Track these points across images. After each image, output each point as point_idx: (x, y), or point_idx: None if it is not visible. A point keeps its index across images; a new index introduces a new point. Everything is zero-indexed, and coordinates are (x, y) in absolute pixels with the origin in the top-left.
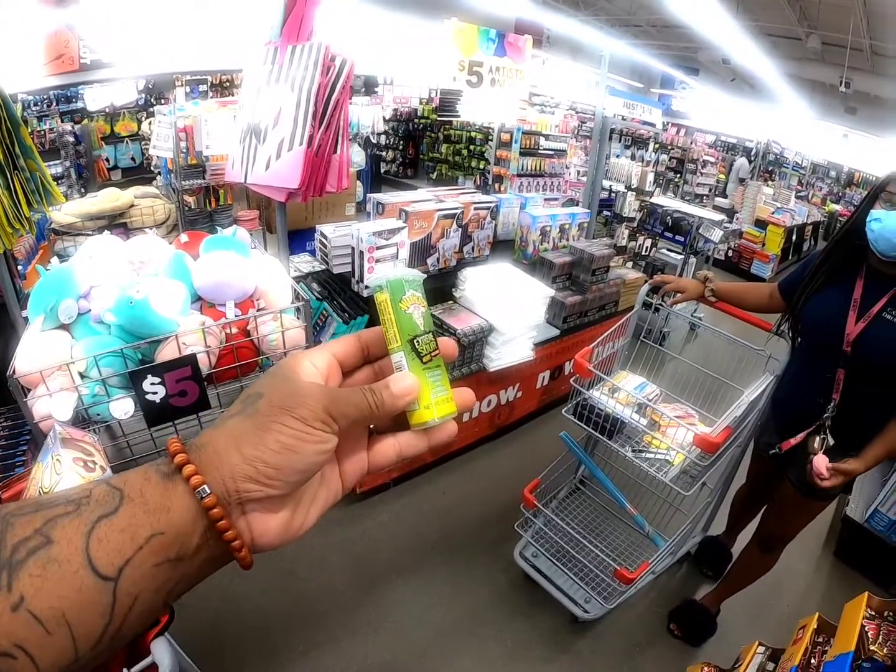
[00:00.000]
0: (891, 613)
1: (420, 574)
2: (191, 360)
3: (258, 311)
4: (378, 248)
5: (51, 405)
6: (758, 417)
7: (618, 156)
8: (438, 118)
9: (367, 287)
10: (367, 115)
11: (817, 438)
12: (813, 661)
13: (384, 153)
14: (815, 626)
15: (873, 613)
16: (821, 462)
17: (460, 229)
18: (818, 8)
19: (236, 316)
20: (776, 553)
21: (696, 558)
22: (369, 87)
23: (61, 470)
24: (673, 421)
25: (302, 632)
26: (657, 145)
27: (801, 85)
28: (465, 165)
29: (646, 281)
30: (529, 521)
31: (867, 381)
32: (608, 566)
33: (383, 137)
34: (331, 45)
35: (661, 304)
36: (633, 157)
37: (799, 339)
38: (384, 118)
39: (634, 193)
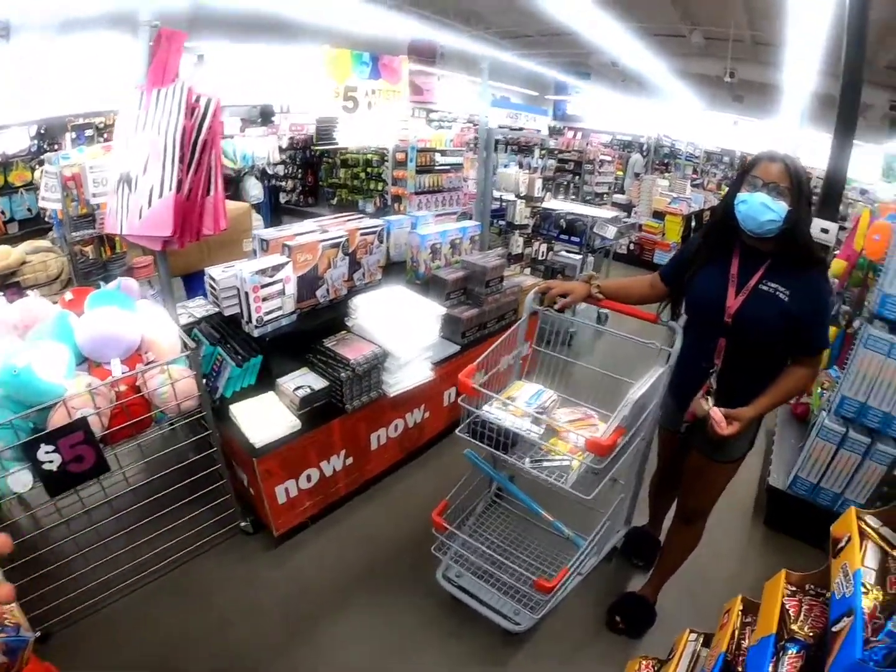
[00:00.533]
0: (812, 587)
1: (349, 609)
2: (82, 425)
3: (146, 364)
4: (263, 287)
5: None
6: (658, 408)
7: (506, 165)
8: (316, 147)
9: (256, 327)
10: (262, 147)
11: (708, 398)
12: (744, 643)
13: (283, 183)
14: (741, 608)
15: (794, 589)
16: (716, 413)
17: (347, 257)
18: (698, 5)
19: (123, 373)
20: (699, 525)
21: (625, 551)
22: (266, 116)
23: None
24: (563, 427)
25: None
26: (543, 151)
27: (688, 79)
28: (364, 188)
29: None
30: (446, 543)
31: (747, 349)
32: (529, 578)
33: (281, 167)
34: (194, 85)
35: (547, 310)
36: (520, 166)
37: (685, 317)
38: (280, 147)
39: (524, 201)
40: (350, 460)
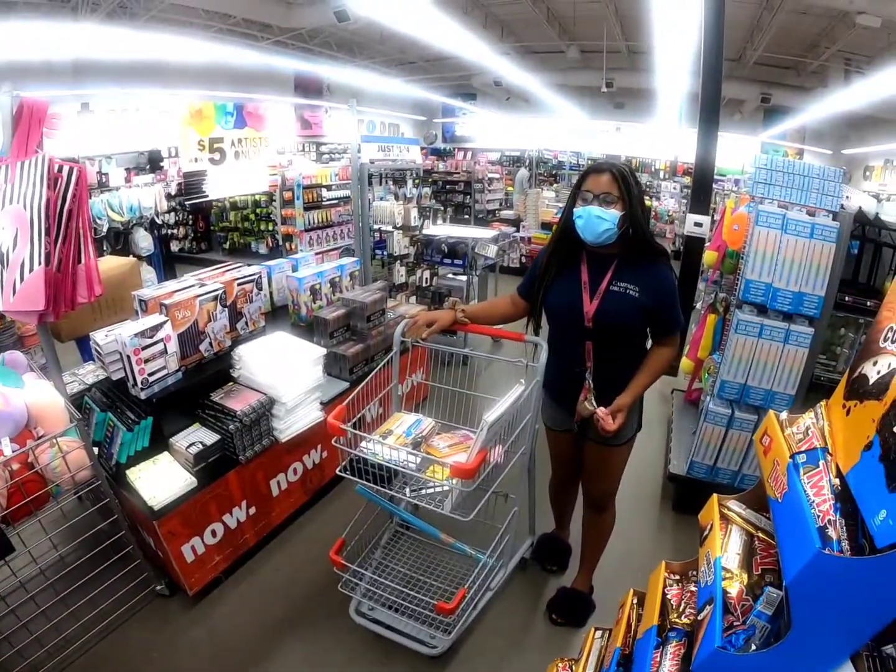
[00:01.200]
0: (694, 573)
1: (275, 657)
2: None
3: (36, 440)
4: (144, 349)
5: None
6: (533, 422)
7: (382, 198)
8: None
9: (143, 389)
10: (148, 197)
11: (591, 398)
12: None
13: (175, 230)
14: (634, 601)
15: (677, 577)
16: (601, 412)
17: (226, 309)
18: (574, 22)
19: (14, 451)
20: (611, 509)
21: (536, 558)
22: (154, 162)
23: None
24: (438, 455)
25: None
26: (417, 180)
27: (570, 91)
28: (255, 230)
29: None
30: (351, 580)
31: (611, 346)
32: (431, 603)
33: (172, 215)
34: (55, 156)
35: (416, 342)
36: (396, 197)
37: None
38: (169, 194)
39: (402, 231)
40: (253, 510)
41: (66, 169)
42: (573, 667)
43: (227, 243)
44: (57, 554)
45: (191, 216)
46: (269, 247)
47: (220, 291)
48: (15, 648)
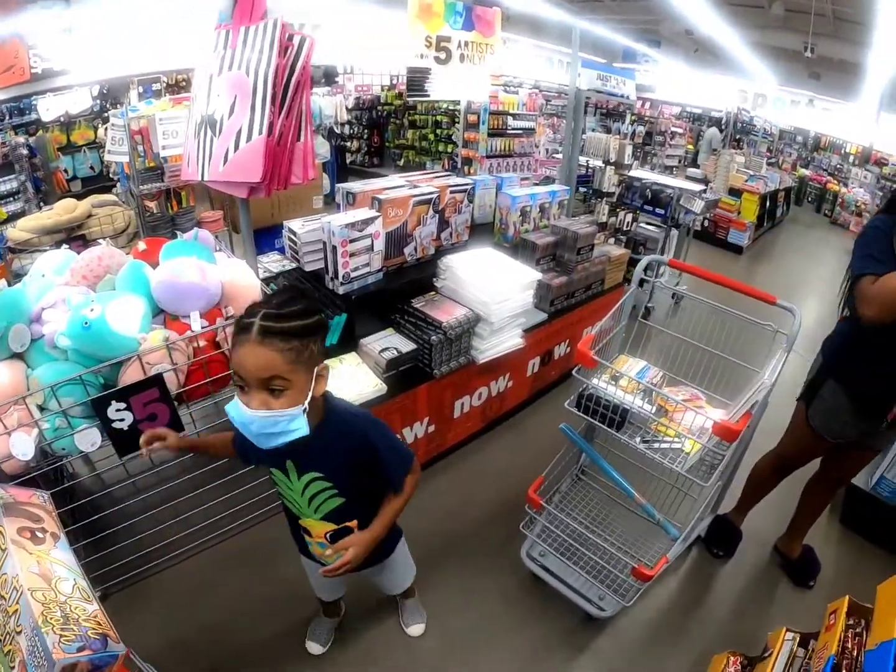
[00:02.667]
0: None
1: (430, 583)
2: (157, 381)
3: (226, 319)
4: (352, 241)
5: (10, 443)
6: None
7: (593, 130)
8: (408, 98)
9: (342, 284)
10: (329, 105)
11: None
12: (848, 646)
13: (349, 143)
14: (847, 609)
15: None
16: None
17: (437, 215)
18: None
19: (203, 328)
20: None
21: (707, 540)
22: (329, 77)
23: (5, 544)
24: (681, 406)
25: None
26: (634, 117)
27: (764, 52)
28: (432, 150)
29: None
30: (534, 519)
31: None
32: (620, 561)
33: (347, 127)
34: (287, 23)
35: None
36: (608, 131)
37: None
38: (347, 107)
39: (613, 168)
40: (432, 428)
41: (297, 38)
42: (746, 663)
43: (402, 160)
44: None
45: (366, 130)
46: (444, 168)
47: (434, 195)
48: (157, 527)
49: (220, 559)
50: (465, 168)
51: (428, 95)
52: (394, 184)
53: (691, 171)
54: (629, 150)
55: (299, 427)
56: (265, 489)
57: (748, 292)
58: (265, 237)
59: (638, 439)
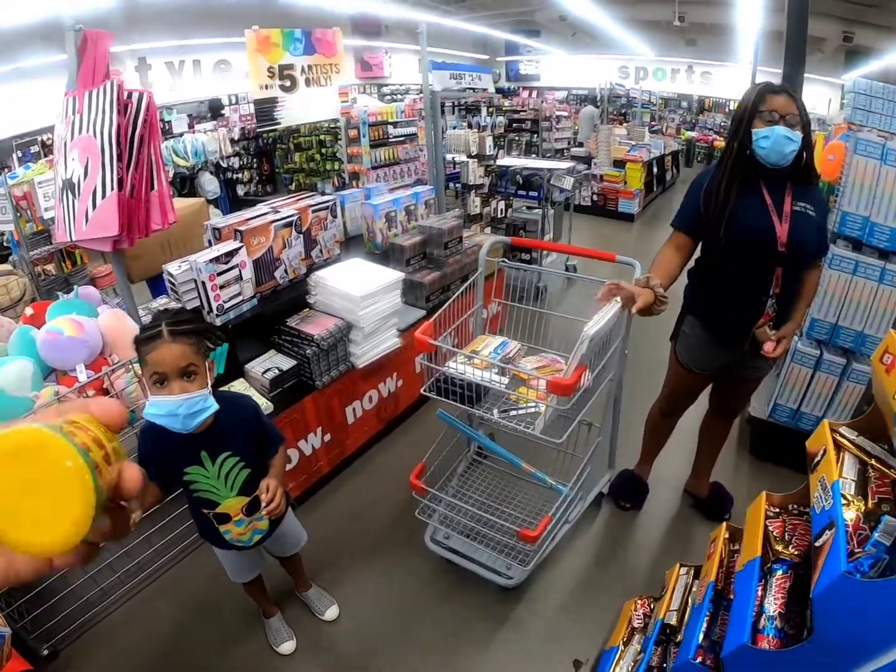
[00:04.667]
0: (795, 506)
1: (345, 584)
2: None
3: (111, 365)
4: (219, 274)
5: None
6: (623, 348)
7: (454, 127)
8: (258, 129)
9: (218, 315)
10: (211, 141)
11: (766, 329)
12: (734, 570)
13: (240, 175)
14: (727, 536)
15: (777, 510)
16: (769, 343)
17: (301, 236)
18: None
19: (88, 377)
20: (732, 422)
21: (613, 494)
22: (214, 110)
23: None
24: (527, 373)
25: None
26: (491, 109)
27: (639, 26)
28: (320, 170)
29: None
30: (428, 505)
31: (797, 269)
32: (514, 531)
33: (236, 159)
34: (124, 82)
35: (503, 263)
36: (469, 126)
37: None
38: (233, 139)
39: (477, 160)
40: (328, 437)
41: (135, 95)
42: (653, 604)
43: (293, 184)
44: None
45: (255, 159)
46: (335, 186)
47: (294, 218)
48: (88, 574)
49: (162, 595)
50: (354, 183)
51: (279, 124)
52: (258, 213)
53: (575, 150)
54: (489, 140)
55: (211, 404)
56: (181, 523)
57: (590, 255)
58: (162, 283)
59: (495, 410)
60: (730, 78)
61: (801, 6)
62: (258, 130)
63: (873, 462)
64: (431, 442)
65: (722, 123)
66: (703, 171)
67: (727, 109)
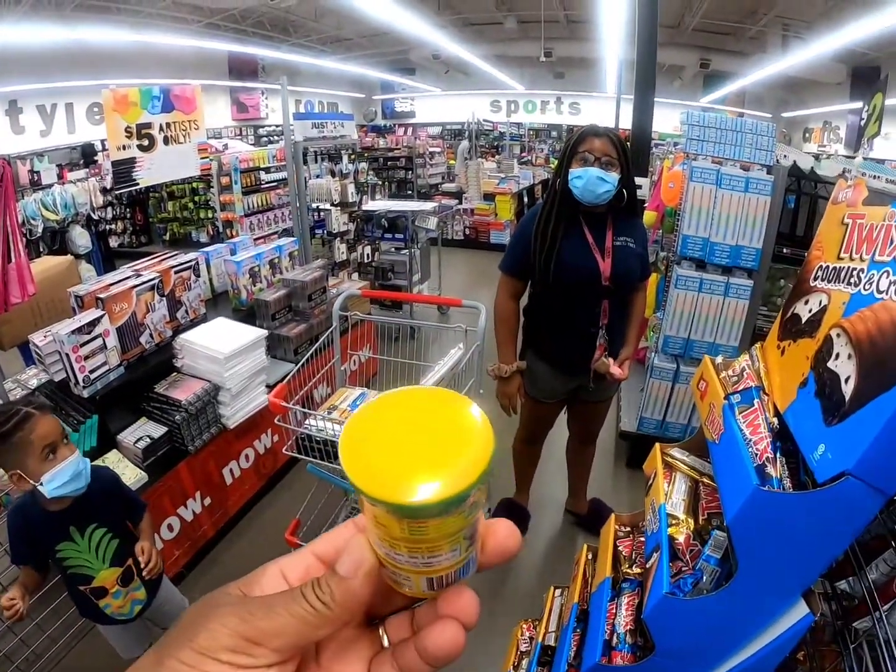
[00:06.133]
0: (643, 524)
1: None
2: None
3: None
4: (83, 345)
5: None
6: (477, 388)
7: (318, 176)
8: (115, 191)
9: (85, 387)
10: (81, 192)
11: (603, 358)
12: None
13: (113, 225)
14: (589, 557)
15: (627, 530)
16: (614, 367)
17: (164, 298)
18: None
19: None
20: (595, 441)
21: None
22: (87, 156)
23: None
24: None
25: None
26: (353, 155)
27: (509, 62)
28: (194, 219)
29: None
30: None
31: (621, 299)
32: None
33: (109, 209)
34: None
35: (358, 316)
36: (332, 174)
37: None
38: (104, 188)
39: (340, 208)
40: (208, 500)
41: None
42: (537, 626)
43: (168, 234)
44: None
45: (128, 209)
46: (209, 235)
47: (156, 281)
48: None
49: None
50: (228, 231)
51: (137, 184)
52: (120, 276)
53: (446, 186)
54: (351, 187)
55: (86, 465)
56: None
57: (436, 301)
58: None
59: None
60: (597, 107)
61: (650, 38)
62: (115, 191)
63: (704, 480)
64: (309, 493)
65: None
66: (528, 213)
67: None
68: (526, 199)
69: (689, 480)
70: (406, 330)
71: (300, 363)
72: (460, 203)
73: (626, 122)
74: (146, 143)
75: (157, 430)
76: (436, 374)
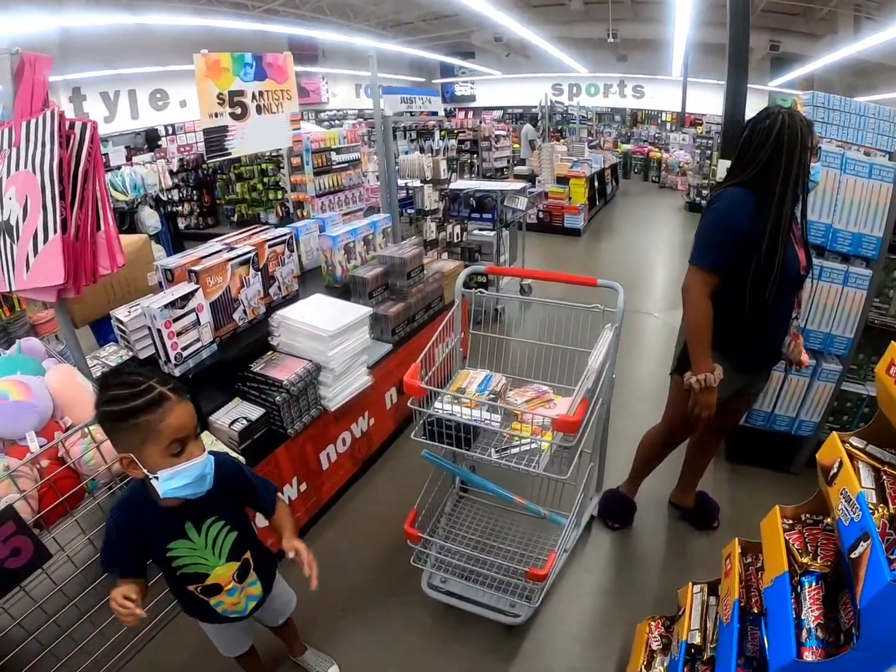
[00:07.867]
0: (808, 515)
1: (340, 641)
2: (10, 515)
3: (65, 431)
4: (175, 320)
5: None
6: (611, 373)
7: (406, 152)
8: (209, 161)
9: (176, 365)
10: (151, 174)
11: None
12: (752, 585)
13: (180, 207)
14: (740, 551)
15: (791, 522)
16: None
17: (259, 273)
18: None
19: (41, 446)
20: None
21: (601, 515)
22: (151, 141)
23: None
24: (518, 409)
25: None
26: (443, 132)
27: (572, 45)
28: (263, 200)
29: (466, 266)
30: (423, 551)
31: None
32: (517, 569)
33: (175, 192)
34: (64, 111)
35: (479, 291)
36: (422, 150)
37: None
38: (171, 171)
39: (431, 185)
40: (304, 486)
41: (78, 125)
42: (668, 624)
43: (236, 216)
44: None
45: (195, 191)
46: (279, 216)
47: (252, 254)
48: (61, 661)
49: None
50: (298, 212)
51: (229, 154)
52: (211, 250)
53: (518, 169)
54: (444, 164)
55: (212, 468)
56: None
57: (570, 280)
58: (107, 326)
59: (492, 450)
60: (661, 90)
61: (743, 19)
62: (208, 160)
63: (886, 469)
64: (407, 478)
65: (656, 135)
66: (727, 204)
67: (659, 120)
68: (597, 184)
69: (871, 470)
70: (490, 312)
71: (430, 342)
72: (533, 186)
73: (693, 107)
74: (238, 111)
75: (254, 412)
76: (601, 353)
